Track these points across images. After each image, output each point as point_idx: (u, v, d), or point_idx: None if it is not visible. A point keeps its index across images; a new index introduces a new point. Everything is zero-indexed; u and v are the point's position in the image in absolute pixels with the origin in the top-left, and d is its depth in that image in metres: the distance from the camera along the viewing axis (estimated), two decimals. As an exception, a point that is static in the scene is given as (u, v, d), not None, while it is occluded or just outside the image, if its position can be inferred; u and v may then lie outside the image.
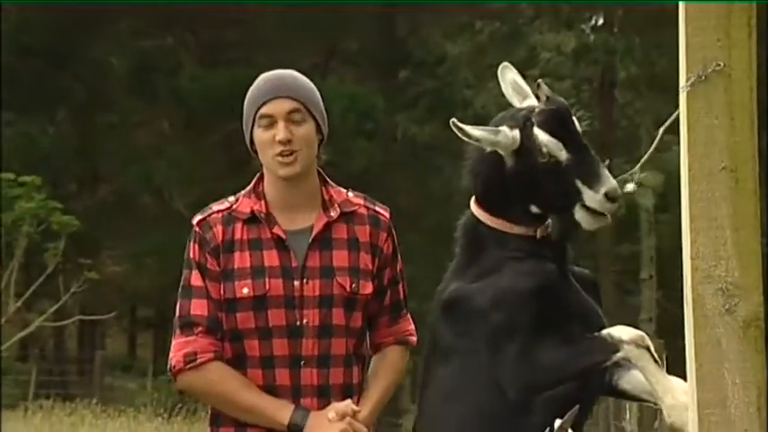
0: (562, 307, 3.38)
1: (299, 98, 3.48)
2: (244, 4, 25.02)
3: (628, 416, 10.85)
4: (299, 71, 3.58)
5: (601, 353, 3.27)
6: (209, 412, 3.58)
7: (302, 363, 3.46)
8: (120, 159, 25.38)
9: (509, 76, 3.50)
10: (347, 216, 3.54)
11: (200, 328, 3.46)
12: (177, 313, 3.52)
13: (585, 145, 3.34)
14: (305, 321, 3.44)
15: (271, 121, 3.46)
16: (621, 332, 3.27)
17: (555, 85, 24.37)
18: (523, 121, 3.36)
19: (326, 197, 3.55)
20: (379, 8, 25.31)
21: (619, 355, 3.26)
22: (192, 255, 3.52)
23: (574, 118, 3.39)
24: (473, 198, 3.49)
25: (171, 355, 3.49)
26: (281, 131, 3.44)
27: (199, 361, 3.44)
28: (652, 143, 3.44)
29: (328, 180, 3.60)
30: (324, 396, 3.48)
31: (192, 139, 25.38)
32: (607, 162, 3.39)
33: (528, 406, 3.33)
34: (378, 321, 3.61)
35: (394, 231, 3.61)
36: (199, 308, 3.48)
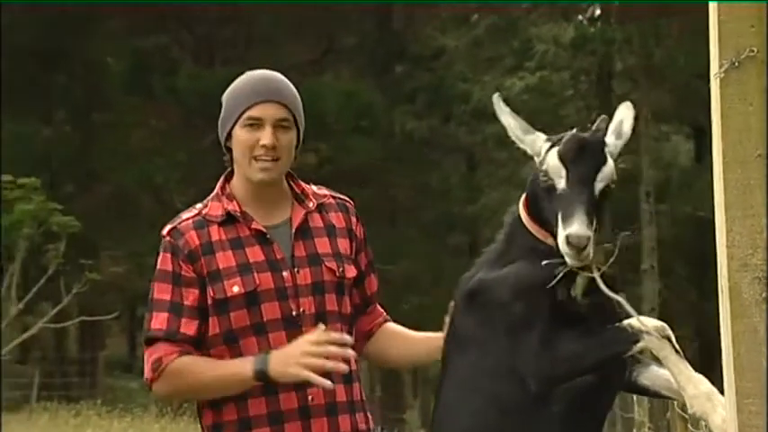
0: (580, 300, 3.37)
1: (289, 106, 3.48)
2: (238, 3, 24.94)
3: (636, 407, 10.82)
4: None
5: (622, 343, 3.24)
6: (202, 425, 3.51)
7: None
8: (118, 159, 25.30)
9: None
10: (319, 206, 3.58)
11: (160, 341, 3.42)
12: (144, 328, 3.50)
13: (588, 184, 3.28)
14: (301, 310, 3.44)
15: (258, 124, 3.45)
16: (643, 322, 3.25)
17: (552, 77, 24.39)
18: (553, 142, 3.37)
19: (298, 190, 3.57)
20: (374, 3, 25.23)
21: (640, 344, 3.23)
22: (160, 265, 3.46)
23: (608, 157, 3.33)
24: (524, 195, 3.48)
25: (144, 368, 3.46)
26: (267, 136, 3.43)
27: (164, 364, 3.39)
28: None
29: (294, 174, 3.59)
30: None
31: (190, 138, 25.32)
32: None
33: (546, 396, 3.30)
34: (366, 310, 3.66)
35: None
36: (158, 322, 3.43)
